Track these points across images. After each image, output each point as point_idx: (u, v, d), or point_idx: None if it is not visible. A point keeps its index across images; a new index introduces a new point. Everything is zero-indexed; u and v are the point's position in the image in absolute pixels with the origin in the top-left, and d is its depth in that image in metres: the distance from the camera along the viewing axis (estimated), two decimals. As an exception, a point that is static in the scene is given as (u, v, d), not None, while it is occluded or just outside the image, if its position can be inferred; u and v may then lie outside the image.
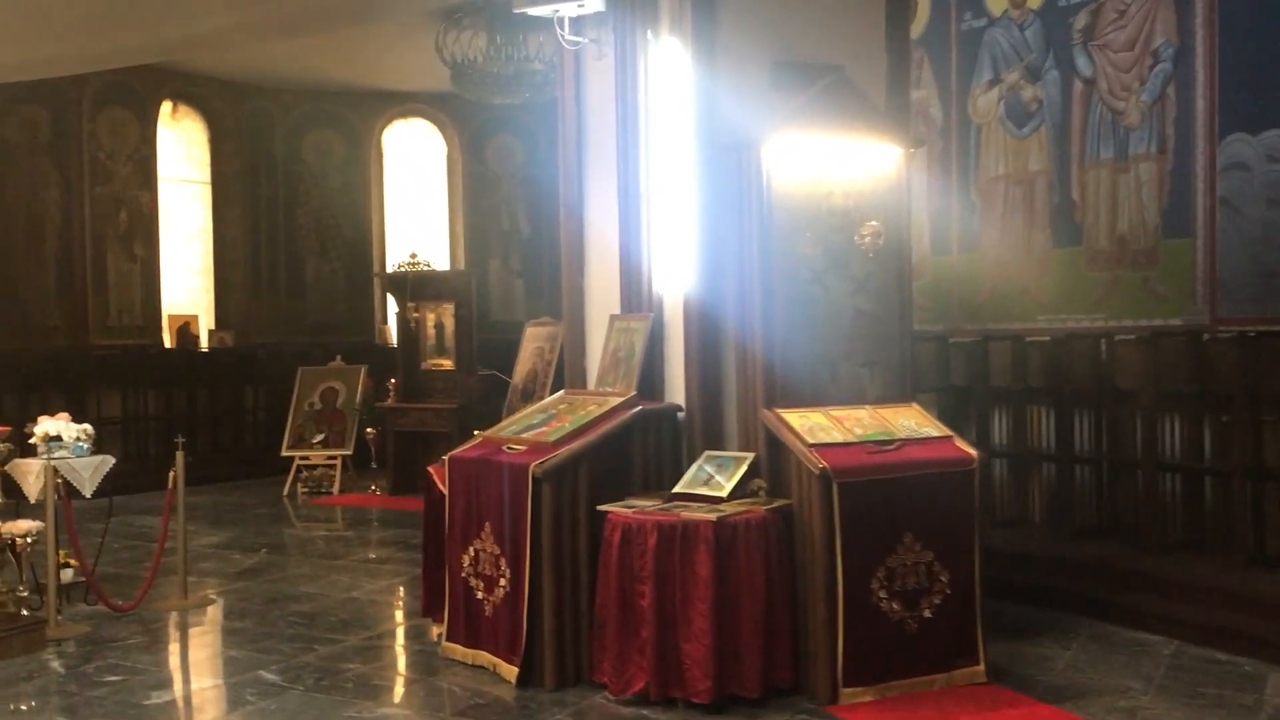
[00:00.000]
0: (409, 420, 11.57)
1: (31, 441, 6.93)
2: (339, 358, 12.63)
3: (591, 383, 6.14)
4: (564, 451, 5.15)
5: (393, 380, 11.80)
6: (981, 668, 5.06)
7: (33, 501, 6.82)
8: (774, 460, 5.19)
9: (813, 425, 5.08)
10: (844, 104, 5.31)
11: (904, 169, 5.49)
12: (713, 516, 4.74)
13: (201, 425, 13.57)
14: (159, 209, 13.76)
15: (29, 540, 6.52)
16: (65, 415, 7.00)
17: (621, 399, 5.51)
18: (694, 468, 5.27)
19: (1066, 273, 7.74)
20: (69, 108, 12.87)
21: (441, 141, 15.75)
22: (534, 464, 5.11)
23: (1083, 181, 7.66)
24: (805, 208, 5.29)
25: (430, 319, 11.76)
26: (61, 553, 6.73)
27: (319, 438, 12.04)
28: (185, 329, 14.04)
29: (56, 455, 6.62)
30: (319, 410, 12.22)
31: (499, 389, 11.76)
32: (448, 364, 11.67)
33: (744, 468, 5.14)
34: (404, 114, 15.63)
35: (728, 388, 5.46)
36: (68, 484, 6.69)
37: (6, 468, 6.66)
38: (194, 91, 14.26)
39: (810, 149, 5.29)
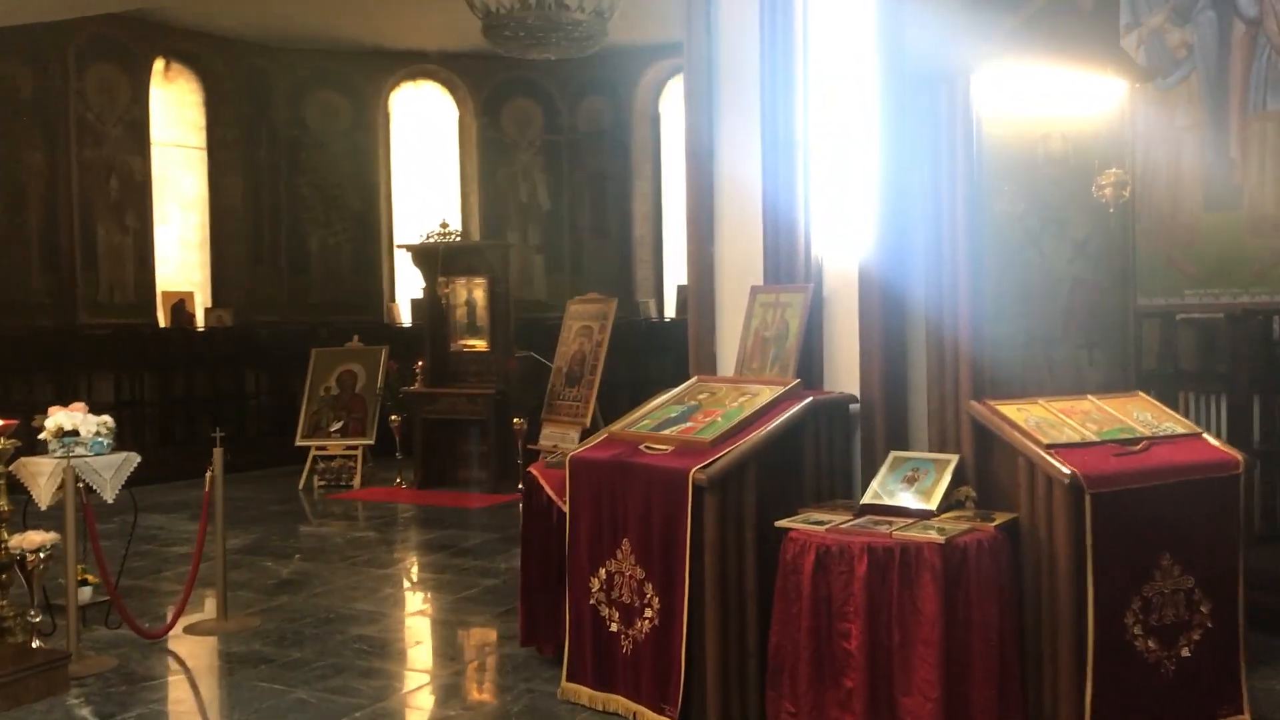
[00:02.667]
0: (439, 407, 10.52)
1: (41, 436, 5.88)
2: (356, 338, 11.55)
3: (725, 368, 5.17)
4: (729, 454, 4.17)
5: (420, 362, 10.74)
6: (1247, 716, 4.15)
7: (44, 507, 5.77)
8: (983, 463, 4.24)
9: (1038, 421, 4.13)
10: (1065, 27, 4.35)
11: (1128, 107, 4.54)
12: (939, 538, 3.78)
13: (200, 411, 12.48)
14: (152, 176, 12.60)
15: (42, 555, 5.47)
16: (81, 405, 5.94)
17: (783, 388, 4.53)
18: (882, 473, 4.31)
19: (1222, 241, 6.83)
20: (53, 64, 11.68)
21: (453, 106, 14.64)
22: (694, 469, 4.13)
23: (1244, 137, 6.75)
24: (1018, 154, 4.33)
25: (461, 295, 10.70)
26: (78, 568, 5.69)
27: (337, 426, 10.97)
28: (180, 307, 12.91)
29: (76, 454, 5.57)
30: (336, 395, 11.15)
31: (537, 373, 10.77)
32: (481, 345, 10.62)
33: (948, 473, 4.19)
34: (412, 75, 14.50)
35: (914, 374, 4.50)
36: (86, 487, 5.66)
37: (12, 468, 5.59)
38: (188, 49, 13.07)
39: (1024, 82, 4.32)
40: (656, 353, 13.18)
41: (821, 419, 4.48)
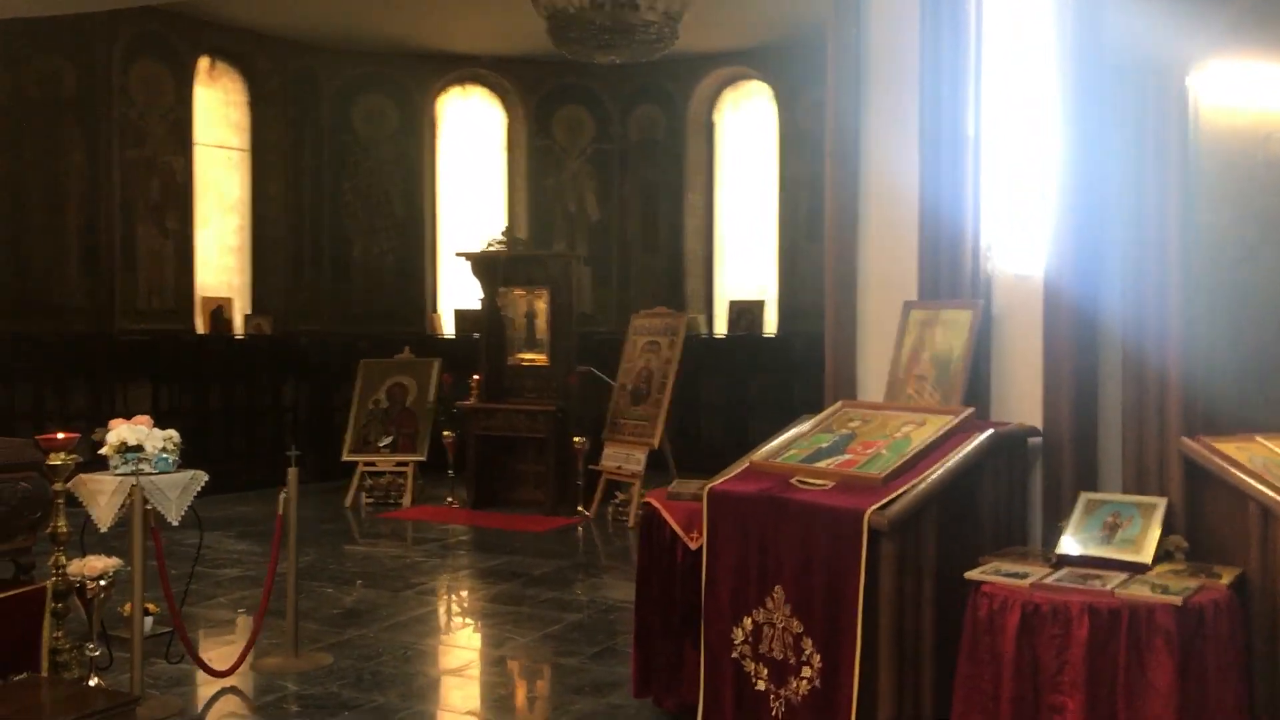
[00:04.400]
0: (495, 423, 10.00)
1: (102, 452, 5.39)
2: (407, 349, 11.05)
3: (870, 391, 4.65)
4: (908, 493, 3.65)
5: (476, 376, 10.22)
6: None
7: (104, 529, 5.28)
8: (1195, 509, 3.71)
9: (1264, 461, 3.61)
10: (1292, 14, 3.83)
11: (1353, 108, 4.02)
12: (1175, 598, 3.25)
13: (237, 422, 12.00)
14: (194, 178, 12.14)
15: (103, 583, 4.97)
16: (145, 419, 5.46)
17: (955, 418, 4.01)
18: (1076, 517, 3.77)
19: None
20: (97, 60, 11.22)
21: (502, 112, 14.16)
22: (869, 510, 3.60)
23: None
24: (1235, 158, 3.82)
25: (520, 307, 10.20)
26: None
27: (386, 441, 10.47)
28: (219, 313, 12.43)
29: (145, 472, 5.07)
30: (386, 409, 10.65)
31: (597, 389, 10.27)
32: (540, 359, 10.12)
33: (1157, 519, 3.66)
34: (461, 80, 14.03)
35: (1108, 405, 3.97)
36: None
37: (70, 485, 5.09)
38: (233, 47, 12.62)
39: (1245, 77, 3.81)
40: (709, 372, 12.70)
41: (1002, 454, 3.96)
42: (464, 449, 10.14)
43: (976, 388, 4.24)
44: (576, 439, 9.52)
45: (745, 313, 13.12)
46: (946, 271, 4.35)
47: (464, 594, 7.12)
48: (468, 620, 6.51)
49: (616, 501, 9.50)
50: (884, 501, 3.63)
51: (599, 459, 9.72)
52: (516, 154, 14.09)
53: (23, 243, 10.93)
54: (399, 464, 10.37)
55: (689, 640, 4.37)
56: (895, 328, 4.51)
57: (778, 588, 3.88)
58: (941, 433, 3.93)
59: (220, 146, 12.80)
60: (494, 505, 10.03)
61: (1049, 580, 3.46)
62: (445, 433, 10.25)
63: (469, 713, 4.85)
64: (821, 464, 4.02)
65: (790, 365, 12.46)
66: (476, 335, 11.20)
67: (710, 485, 4.18)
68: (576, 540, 8.83)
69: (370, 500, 10.23)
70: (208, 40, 12.26)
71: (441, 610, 6.79)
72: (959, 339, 4.24)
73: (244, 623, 6.30)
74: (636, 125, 13.97)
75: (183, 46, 11.96)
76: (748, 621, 3.98)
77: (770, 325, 13.02)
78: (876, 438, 4.07)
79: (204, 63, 12.44)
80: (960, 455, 3.79)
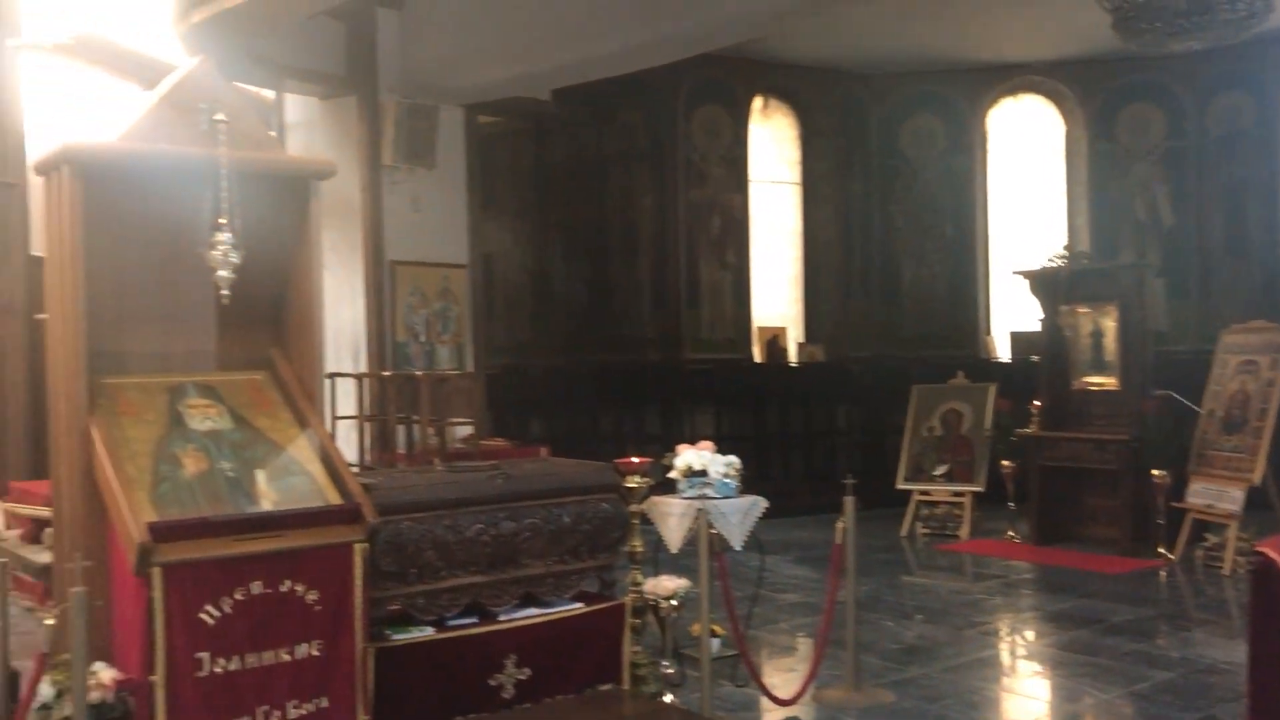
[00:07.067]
0: (1059, 453, 9.26)
1: (671, 475, 5.65)
2: (961, 374, 10.63)
3: None
4: None
5: (1035, 402, 9.55)
6: None
7: (674, 550, 5.51)
8: None
9: None
10: None
11: None
12: None
13: (794, 447, 12.34)
14: (750, 213, 12.71)
15: (674, 603, 5.20)
16: (708, 444, 5.63)
17: None
18: None
19: None
20: (664, 109, 12.17)
21: (1058, 118, 13.24)
22: None
23: None
24: None
25: (1085, 326, 9.37)
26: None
27: (941, 469, 10.12)
28: (774, 342, 12.86)
29: (709, 496, 5.23)
30: (940, 436, 10.30)
31: (1179, 417, 9.13)
32: (1110, 383, 9.21)
33: None
34: (1013, 90, 13.34)
35: None
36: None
37: (644, 506, 5.37)
38: (785, 84, 13.04)
39: None
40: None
41: None
42: (1024, 480, 9.50)
43: None
44: (1156, 472, 8.51)
45: (1368, 325, 11.03)
46: None
47: (1031, 637, 6.57)
48: (1037, 667, 5.97)
49: (1207, 545, 8.33)
50: None
51: (1183, 495, 8.61)
52: (1076, 161, 13.12)
53: (603, 281, 12.12)
54: (955, 494, 9.96)
55: (1328, 723, 3.57)
56: None
57: None
58: None
59: (772, 182, 13.28)
60: (1059, 541, 9.27)
61: None
62: (1004, 462, 9.70)
63: (1046, 775, 4.38)
64: None
65: None
66: (1034, 358, 10.51)
67: (1358, 536, 3.38)
68: (1159, 586, 7.86)
69: (926, 530, 9.93)
70: (762, 80, 12.80)
71: (1007, 654, 6.31)
72: None
73: (804, 648, 6.30)
74: (1216, 117, 12.40)
75: (739, 88, 12.59)
76: None
77: (1404, 339, 10.82)
78: None
79: (758, 102, 13.01)
80: None
